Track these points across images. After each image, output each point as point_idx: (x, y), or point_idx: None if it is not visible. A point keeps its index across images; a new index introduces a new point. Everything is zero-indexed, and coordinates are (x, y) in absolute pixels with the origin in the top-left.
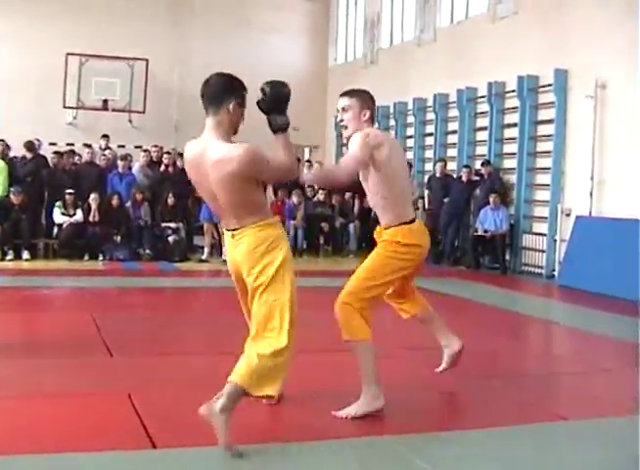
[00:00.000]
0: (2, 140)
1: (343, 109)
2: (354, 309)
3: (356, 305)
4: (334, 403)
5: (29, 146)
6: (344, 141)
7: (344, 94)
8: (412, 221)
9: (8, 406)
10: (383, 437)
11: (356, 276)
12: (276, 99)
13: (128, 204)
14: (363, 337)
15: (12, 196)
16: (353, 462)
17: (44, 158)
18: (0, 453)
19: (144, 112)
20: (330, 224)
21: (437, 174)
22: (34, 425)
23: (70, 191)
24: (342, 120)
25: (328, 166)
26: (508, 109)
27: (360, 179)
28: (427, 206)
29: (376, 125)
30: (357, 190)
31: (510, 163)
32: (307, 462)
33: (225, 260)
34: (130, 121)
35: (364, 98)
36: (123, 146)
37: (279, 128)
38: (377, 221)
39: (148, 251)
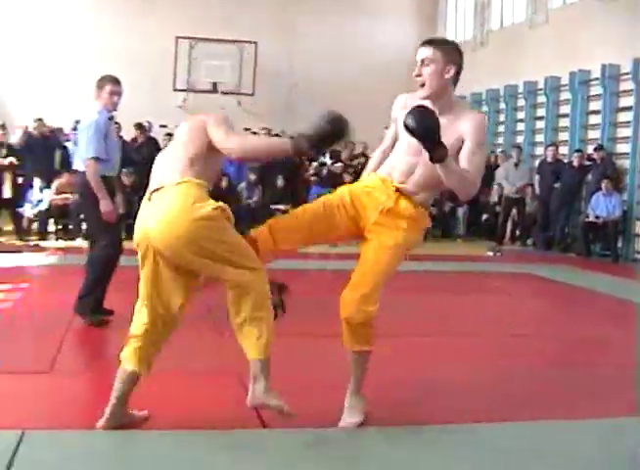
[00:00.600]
0: (116, 123)
1: (423, 61)
2: (373, 316)
3: (374, 309)
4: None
5: (140, 128)
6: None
7: (426, 43)
8: None
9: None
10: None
11: (372, 269)
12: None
13: (242, 185)
14: (372, 347)
15: (124, 177)
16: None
17: (155, 140)
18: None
19: (253, 94)
20: (438, 208)
21: (549, 159)
22: (147, 402)
23: None
24: (419, 75)
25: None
26: (622, 92)
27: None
28: (537, 191)
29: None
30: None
31: (624, 147)
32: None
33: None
34: (239, 104)
35: (450, 50)
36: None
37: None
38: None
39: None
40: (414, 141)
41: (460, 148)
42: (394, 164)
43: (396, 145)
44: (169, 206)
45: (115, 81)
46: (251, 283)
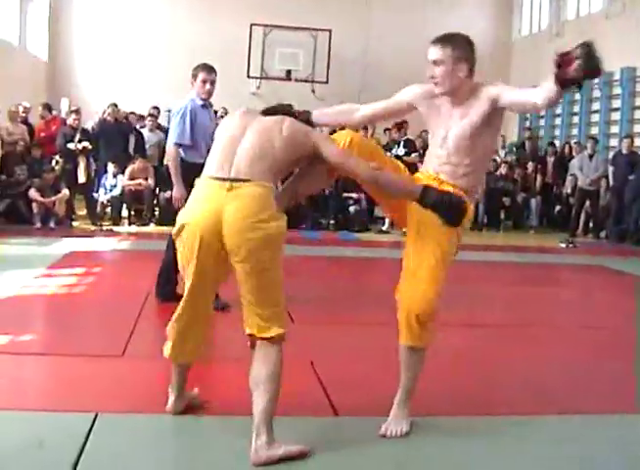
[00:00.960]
0: (215, 112)
1: (435, 62)
2: (436, 311)
3: (437, 302)
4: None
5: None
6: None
7: (436, 42)
8: None
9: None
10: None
11: (433, 257)
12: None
13: None
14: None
15: None
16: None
17: None
18: (188, 412)
19: (327, 82)
20: (511, 199)
21: (624, 151)
22: (219, 388)
23: None
24: (432, 77)
25: None
26: None
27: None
28: (611, 183)
29: None
30: None
31: None
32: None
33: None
34: (313, 91)
35: (459, 48)
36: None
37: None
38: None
39: (332, 220)
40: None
41: (489, 115)
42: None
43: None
44: (253, 206)
45: (208, 69)
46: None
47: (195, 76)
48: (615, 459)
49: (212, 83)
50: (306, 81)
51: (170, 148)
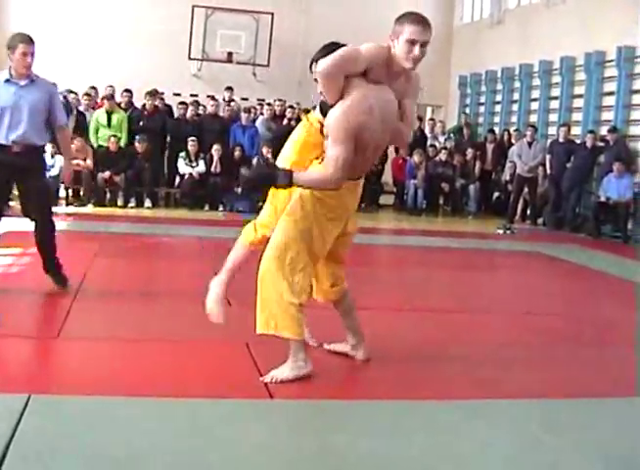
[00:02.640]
0: (128, 91)
1: (424, 44)
2: None
3: None
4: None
5: (152, 95)
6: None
7: (426, 24)
8: None
9: (128, 348)
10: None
11: None
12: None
13: (255, 159)
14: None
15: (136, 144)
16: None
17: (169, 108)
18: (118, 394)
19: (268, 65)
20: (450, 185)
21: (560, 139)
22: (152, 369)
23: (194, 139)
24: (416, 57)
25: None
26: (637, 74)
27: None
28: (548, 171)
29: None
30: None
31: (637, 130)
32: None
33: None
34: (254, 75)
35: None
36: (246, 99)
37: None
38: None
39: None
40: None
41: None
42: None
43: None
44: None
45: (29, 40)
46: None
47: (13, 48)
48: (556, 442)
49: (33, 56)
50: (248, 64)
51: None
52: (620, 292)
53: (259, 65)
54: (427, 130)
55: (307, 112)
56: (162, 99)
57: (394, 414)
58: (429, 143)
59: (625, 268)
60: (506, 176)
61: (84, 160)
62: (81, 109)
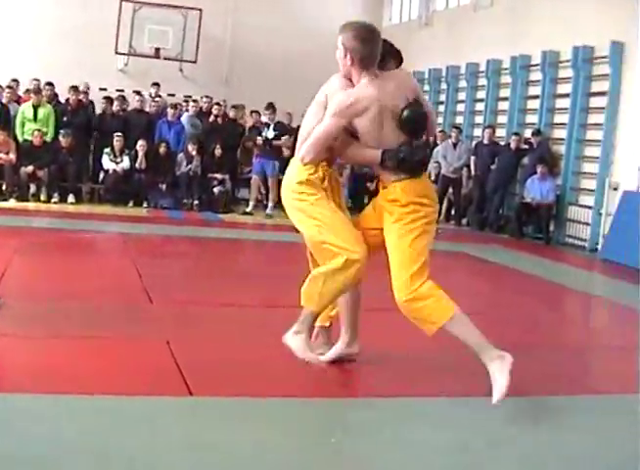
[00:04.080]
0: (50, 84)
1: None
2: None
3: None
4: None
5: (75, 90)
6: None
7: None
8: None
9: (48, 346)
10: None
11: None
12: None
13: (180, 155)
14: None
15: (61, 138)
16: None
17: (93, 103)
18: (36, 391)
19: (195, 62)
20: (375, 184)
21: (485, 141)
22: (72, 366)
23: (119, 134)
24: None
25: None
26: (561, 79)
27: None
28: (473, 172)
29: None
30: None
31: (560, 133)
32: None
33: (270, 215)
34: (181, 71)
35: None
36: (173, 95)
37: None
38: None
39: (196, 201)
40: None
41: None
42: None
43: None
44: None
45: None
46: None
47: None
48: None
49: None
50: (175, 60)
51: None
52: (543, 293)
53: (187, 61)
54: None
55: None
56: (87, 93)
57: (310, 412)
58: None
59: (547, 269)
60: (431, 177)
61: (7, 153)
62: (4, 101)
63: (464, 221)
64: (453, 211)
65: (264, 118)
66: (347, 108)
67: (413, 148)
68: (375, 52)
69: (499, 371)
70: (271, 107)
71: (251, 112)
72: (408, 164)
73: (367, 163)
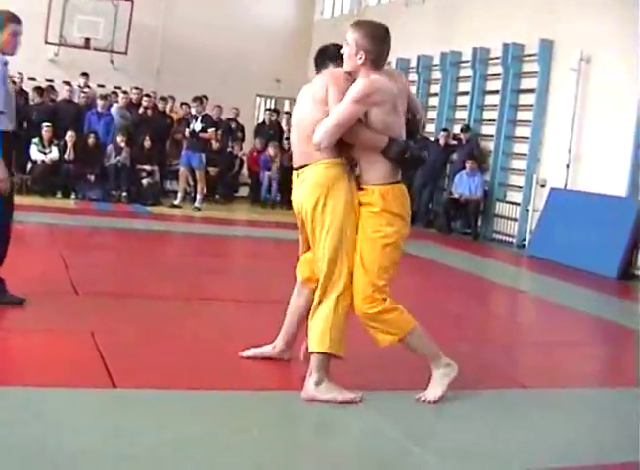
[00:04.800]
0: None
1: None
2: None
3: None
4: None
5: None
6: None
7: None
8: None
9: None
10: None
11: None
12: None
13: (109, 147)
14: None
15: None
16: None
17: (24, 93)
18: None
19: (126, 53)
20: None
21: None
22: (4, 358)
23: (48, 125)
24: None
25: None
26: (491, 75)
27: None
28: None
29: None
30: None
31: (489, 129)
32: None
33: (198, 207)
34: (112, 62)
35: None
36: (103, 86)
37: None
38: None
39: (125, 193)
40: None
41: None
42: None
43: None
44: None
45: (19, 20)
46: None
47: (1, 27)
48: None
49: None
50: (105, 51)
51: None
52: (471, 288)
53: (117, 52)
54: (283, 123)
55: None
56: (14, 83)
57: (227, 403)
58: (284, 136)
59: (475, 264)
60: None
61: None
62: None
63: None
64: None
65: (193, 111)
66: (369, 96)
67: (418, 146)
68: (386, 52)
69: (440, 379)
70: (198, 99)
71: (181, 104)
72: (410, 157)
73: (367, 145)
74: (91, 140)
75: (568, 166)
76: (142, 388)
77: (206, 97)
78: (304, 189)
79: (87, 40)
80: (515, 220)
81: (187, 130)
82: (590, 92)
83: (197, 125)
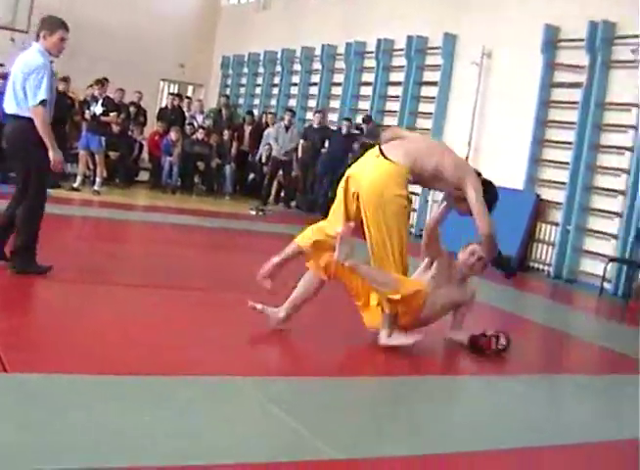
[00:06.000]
0: None
1: None
2: None
3: None
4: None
5: None
6: None
7: None
8: None
9: None
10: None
11: None
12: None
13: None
14: None
15: None
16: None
17: None
18: None
19: (27, 32)
20: (206, 164)
21: (315, 125)
22: None
23: None
24: None
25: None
26: (394, 67)
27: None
28: (300, 155)
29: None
30: None
31: (391, 120)
32: None
33: (97, 191)
34: (12, 40)
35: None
36: (2, 65)
37: None
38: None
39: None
40: None
41: None
42: None
43: None
44: None
45: (67, 27)
46: None
47: (51, 32)
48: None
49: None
50: (6, 29)
51: (39, 107)
52: None
53: (18, 30)
54: (185, 108)
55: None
56: None
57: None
58: (187, 121)
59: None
60: (262, 159)
61: None
62: None
63: (293, 204)
64: (283, 194)
65: (95, 93)
66: None
67: None
68: None
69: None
70: (100, 82)
71: (88, 86)
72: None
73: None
74: None
75: (467, 159)
76: (35, 372)
77: (107, 79)
78: None
79: None
80: (414, 210)
81: (87, 113)
82: (491, 87)
83: (98, 108)
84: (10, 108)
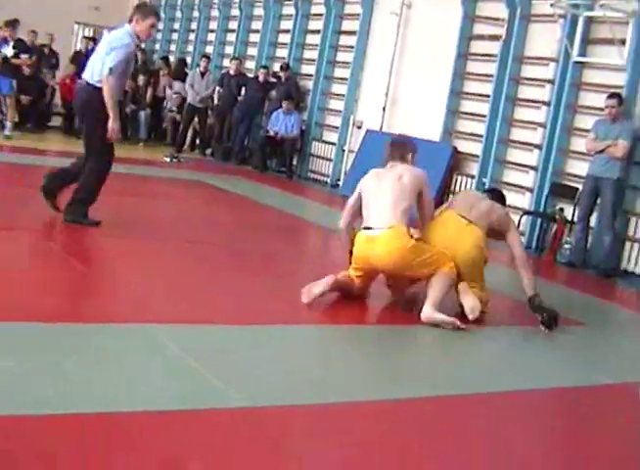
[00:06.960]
0: None
1: None
2: None
3: None
4: None
5: None
6: None
7: None
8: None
9: None
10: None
11: None
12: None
13: None
14: None
15: None
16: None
17: None
18: None
19: None
20: (121, 110)
21: (231, 72)
22: None
23: None
24: None
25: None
26: (314, 15)
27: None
28: (216, 102)
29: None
30: None
31: (309, 68)
32: None
33: (8, 136)
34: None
35: None
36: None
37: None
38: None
39: None
40: None
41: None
42: None
43: None
44: None
45: (159, 16)
46: None
47: (144, 17)
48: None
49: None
50: None
51: (107, 75)
52: (280, 225)
53: None
54: None
55: None
56: None
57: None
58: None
59: (288, 202)
60: (173, 105)
61: None
62: None
63: (208, 151)
64: (198, 141)
65: (5, 35)
66: None
67: None
68: None
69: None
70: (11, 24)
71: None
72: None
73: None
74: None
75: (384, 109)
76: None
77: (18, 21)
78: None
79: None
80: (330, 160)
81: None
82: (410, 38)
83: (9, 50)
84: (86, 75)
